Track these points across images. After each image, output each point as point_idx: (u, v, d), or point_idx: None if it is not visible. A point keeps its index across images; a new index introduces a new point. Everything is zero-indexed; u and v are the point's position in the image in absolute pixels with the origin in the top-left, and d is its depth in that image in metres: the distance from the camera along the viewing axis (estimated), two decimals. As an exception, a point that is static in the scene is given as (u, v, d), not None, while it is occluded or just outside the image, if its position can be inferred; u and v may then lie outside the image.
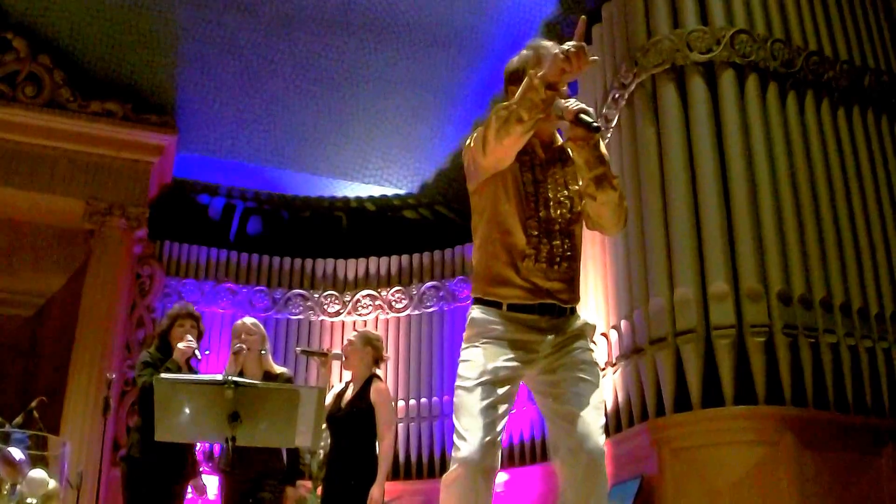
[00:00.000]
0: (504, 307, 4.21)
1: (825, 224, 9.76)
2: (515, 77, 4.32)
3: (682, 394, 9.14)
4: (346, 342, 8.05)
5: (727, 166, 9.68)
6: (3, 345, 14.36)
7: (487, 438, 3.98)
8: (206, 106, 14.84)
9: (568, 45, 3.92)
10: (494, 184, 4.28)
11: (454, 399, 4.20)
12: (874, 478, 8.87)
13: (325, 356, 8.17)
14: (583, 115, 4.01)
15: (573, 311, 4.32)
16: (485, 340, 4.17)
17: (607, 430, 10.17)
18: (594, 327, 4.43)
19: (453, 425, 4.18)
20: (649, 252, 9.90)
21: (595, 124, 4.01)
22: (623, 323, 10.24)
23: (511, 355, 4.13)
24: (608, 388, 10.41)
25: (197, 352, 7.26)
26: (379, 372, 7.86)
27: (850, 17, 10.94)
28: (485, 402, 4.04)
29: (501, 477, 12.81)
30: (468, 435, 3.99)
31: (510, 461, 13.00)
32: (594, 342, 4.38)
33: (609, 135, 11.21)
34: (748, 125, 9.84)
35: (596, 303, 11.19)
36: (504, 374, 4.10)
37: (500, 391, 4.07)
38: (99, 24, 13.95)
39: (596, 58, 3.97)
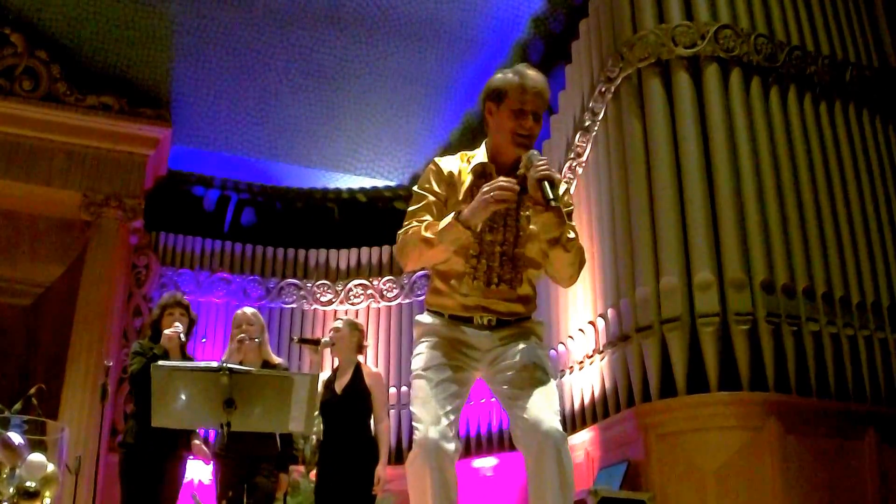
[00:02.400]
0: (445, 316, 4.31)
1: (808, 215, 9.86)
2: (495, 95, 4.33)
3: (667, 380, 9.27)
4: (331, 329, 8.17)
5: (712, 159, 9.77)
6: (2, 333, 14.42)
7: (438, 419, 4.08)
8: (201, 99, 14.92)
9: (496, 184, 4.01)
10: (448, 207, 4.30)
11: (411, 391, 4.31)
12: (856, 462, 9.00)
13: (317, 344, 8.26)
14: (545, 185, 3.98)
15: (521, 320, 4.36)
16: (429, 340, 4.30)
17: (594, 417, 10.39)
18: (542, 325, 4.48)
19: None
20: (635, 242, 10.01)
21: (552, 201, 3.96)
22: (610, 311, 10.36)
23: (454, 352, 4.25)
24: (595, 376, 10.53)
25: (182, 336, 7.28)
26: (361, 358, 7.98)
27: (832, 12, 11.01)
28: (433, 387, 4.14)
29: (490, 462, 12.95)
30: (421, 418, 4.10)
31: (499, 447, 13.12)
32: (541, 339, 4.41)
33: (596, 128, 11.32)
34: (732, 118, 9.95)
35: (583, 292, 11.29)
36: (450, 364, 4.21)
37: (446, 375, 4.18)
38: (95, 20, 14.04)
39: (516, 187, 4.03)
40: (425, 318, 4.39)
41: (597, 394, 10.46)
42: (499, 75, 4.41)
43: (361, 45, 14.63)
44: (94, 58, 14.47)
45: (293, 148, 15.57)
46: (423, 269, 4.50)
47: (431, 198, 4.35)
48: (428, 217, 4.26)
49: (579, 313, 11.24)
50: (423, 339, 4.33)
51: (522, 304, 4.37)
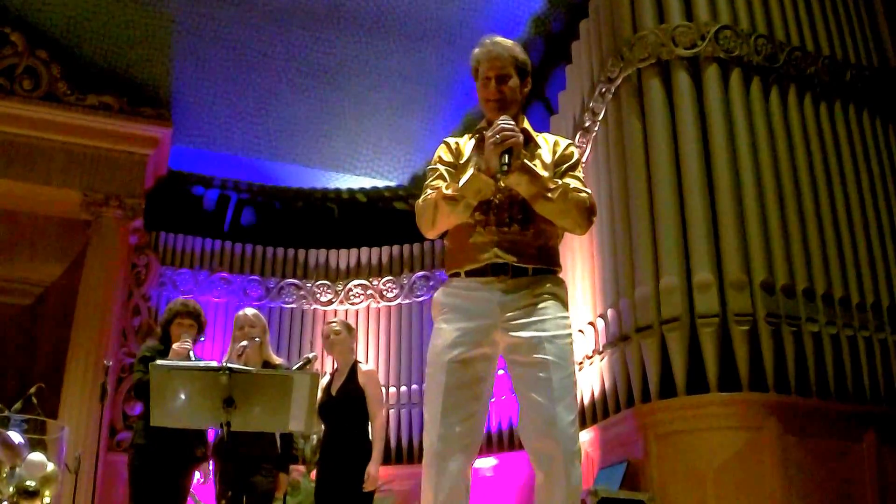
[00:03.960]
0: (462, 274, 4.29)
1: (808, 215, 9.84)
2: (473, 71, 4.51)
3: (667, 380, 9.24)
4: (326, 331, 8.15)
5: (712, 159, 9.75)
6: (2, 333, 14.45)
7: (450, 422, 4.07)
8: (201, 99, 14.94)
9: (496, 127, 4.10)
10: (457, 176, 4.34)
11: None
12: (855, 463, 8.96)
13: (309, 363, 8.26)
14: (505, 156, 4.07)
15: (537, 272, 4.31)
16: (442, 314, 4.28)
17: (594, 417, 10.39)
18: (565, 288, 4.43)
19: None
20: (635, 242, 9.99)
21: (500, 171, 4.08)
22: (609, 311, 10.35)
23: (466, 324, 4.19)
24: (595, 376, 10.53)
25: (191, 353, 7.26)
26: (360, 357, 7.99)
27: (832, 12, 10.99)
28: (445, 389, 4.12)
29: (490, 462, 12.95)
30: (430, 421, 4.12)
31: (499, 446, 13.13)
32: (565, 305, 4.38)
33: (596, 128, 11.31)
34: (732, 119, 9.92)
35: (583, 292, 11.31)
36: (463, 350, 4.17)
37: (461, 373, 4.15)
38: (95, 19, 14.06)
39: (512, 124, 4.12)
40: (437, 294, 4.39)
41: (596, 394, 10.46)
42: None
43: (361, 44, 14.65)
44: (94, 57, 14.49)
45: (293, 148, 15.59)
46: (443, 233, 4.44)
47: (442, 168, 4.44)
48: (442, 183, 4.34)
49: (579, 314, 11.23)
50: (438, 322, 4.31)
51: (539, 254, 4.33)
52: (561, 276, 4.46)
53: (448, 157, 4.49)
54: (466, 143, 4.52)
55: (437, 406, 4.10)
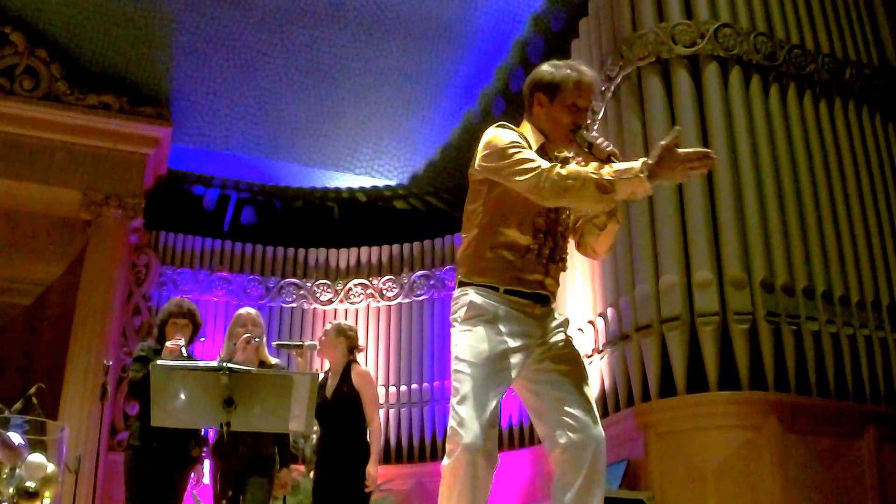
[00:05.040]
0: (500, 290, 4.23)
1: (807, 214, 9.83)
2: (550, 88, 4.34)
3: (667, 379, 9.25)
4: (321, 334, 8.20)
5: (711, 157, 9.76)
6: (2, 332, 14.46)
7: (487, 421, 4.02)
8: (201, 98, 14.95)
9: (689, 152, 3.94)
10: None
11: (453, 383, 4.19)
12: (855, 461, 8.97)
13: (300, 348, 8.24)
14: (615, 159, 4.07)
15: (553, 299, 4.39)
16: (483, 322, 4.19)
17: (593, 416, 10.39)
18: (568, 321, 4.51)
19: (448, 410, 4.19)
20: (635, 241, 10.00)
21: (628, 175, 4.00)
22: (609, 310, 10.36)
23: (507, 339, 4.15)
24: (595, 375, 10.53)
25: (184, 350, 7.25)
26: (359, 358, 8.01)
27: (832, 10, 10.98)
28: (485, 385, 4.07)
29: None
30: (469, 419, 4.01)
31: (500, 446, 13.14)
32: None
33: (596, 126, 11.31)
34: (732, 117, 9.92)
35: (583, 290, 11.31)
36: (502, 357, 4.13)
37: (498, 375, 4.11)
38: (95, 19, 14.07)
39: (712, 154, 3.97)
40: (475, 296, 4.26)
41: (596, 393, 10.44)
42: (549, 68, 4.44)
43: (361, 43, 14.65)
44: (94, 57, 14.51)
45: (293, 147, 15.60)
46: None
47: (526, 148, 4.27)
48: (542, 161, 4.17)
49: (579, 312, 11.24)
50: (474, 325, 4.22)
51: (558, 286, 4.43)
52: None
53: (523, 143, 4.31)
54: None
55: (482, 405, 4.05)
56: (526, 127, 4.45)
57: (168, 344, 7.19)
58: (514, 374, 4.19)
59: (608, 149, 4.13)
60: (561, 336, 4.34)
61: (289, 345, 8.80)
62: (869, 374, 9.41)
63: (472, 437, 3.98)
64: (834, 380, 9.22)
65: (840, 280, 9.74)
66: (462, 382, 4.13)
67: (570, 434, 4.13)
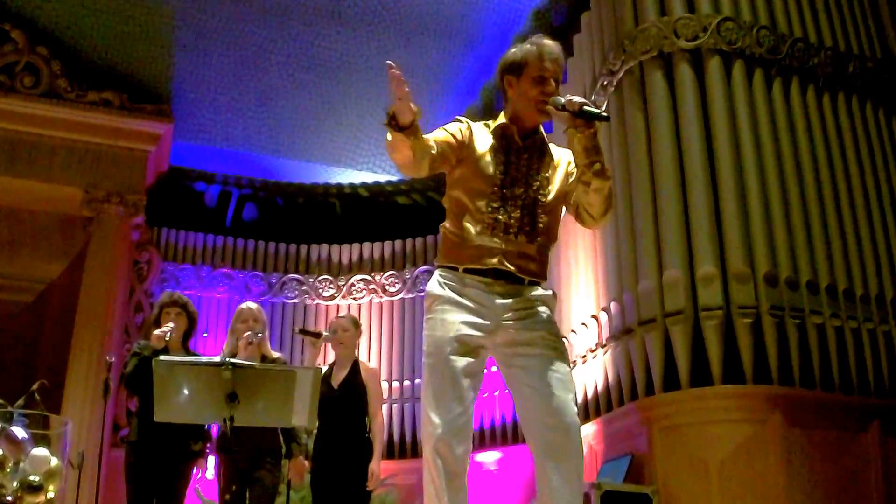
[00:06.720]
0: (460, 270, 4.26)
1: (811, 207, 9.81)
2: (515, 68, 4.39)
3: (670, 373, 9.22)
4: (334, 326, 8.14)
5: (714, 151, 9.71)
6: (5, 330, 14.48)
7: (452, 419, 4.06)
8: (202, 95, 14.94)
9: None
10: (466, 164, 4.36)
11: (423, 377, 4.23)
12: (860, 455, 8.94)
13: (318, 337, 8.22)
14: (587, 108, 4.08)
15: (533, 283, 4.34)
16: (442, 306, 4.23)
17: (598, 410, 10.38)
18: (555, 297, 4.46)
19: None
20: (638, 235, 9.98)
21: (604, 113, 4.10)
22: (613, 304, 10.33)
23: (469, 318, 4.16)
24: (599, 369, 10.52)
25: (168, 335, 7.23)
26: (362, 355, 8.02)
27: (835, 4, 10.95)
28: (443, 374, 4.10)
29: (494, 455, 12.95)
30: (430, 412, 4.07)
31: (503, 440, 13.13)
32: (553, 313, 4.42)
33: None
34: (735, 111, 9.88)
35: (586, 285, 11.30)
36: (465, 342, 4.14)
37: (463, 364, 4.12)
38: (96, 16, 14.06)
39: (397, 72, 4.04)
40: (434, 285, 4.32)
41: (600, 387, 10.45)
42: (513, 49, 4.48)
43: (362, 39, 14.64)
44: (94, 54, 14.50)
45: (294, 143, 15.60)
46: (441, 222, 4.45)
47: (443, 133, 4.39)
48: (442, 134, 4.36)
49: (582, 307, 11.23)
50: (434, 313, 4.26)
51: (536, 263, 4.36)
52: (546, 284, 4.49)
53: (460, 137, 4.40)
54: (481, 130, 4.48)
55: (441, 396, 4.08)
56: (500, 116, 4.53)
57: (155, 332, 7.20)
58: (482, 354, 4.22)
59: (577, 100, 4.14)
60: (540, 316, 4.31)
61: (310, 332, 8.76)
62: (873, 368, 9.39)
63: (433, 428, 4.05)
64: (838, 374, 9.19)
65: (844, 274, 9.72)
66: (425, 375, 4.21)
67: (540, 422, 4.15)
